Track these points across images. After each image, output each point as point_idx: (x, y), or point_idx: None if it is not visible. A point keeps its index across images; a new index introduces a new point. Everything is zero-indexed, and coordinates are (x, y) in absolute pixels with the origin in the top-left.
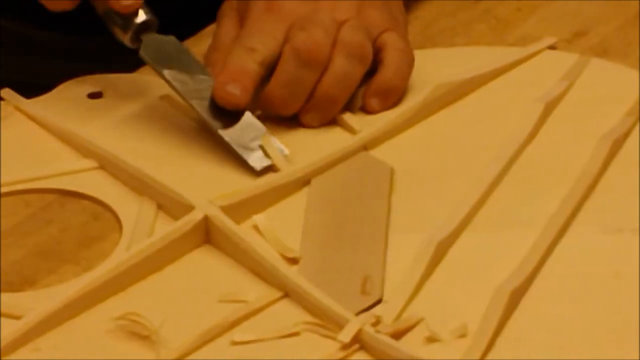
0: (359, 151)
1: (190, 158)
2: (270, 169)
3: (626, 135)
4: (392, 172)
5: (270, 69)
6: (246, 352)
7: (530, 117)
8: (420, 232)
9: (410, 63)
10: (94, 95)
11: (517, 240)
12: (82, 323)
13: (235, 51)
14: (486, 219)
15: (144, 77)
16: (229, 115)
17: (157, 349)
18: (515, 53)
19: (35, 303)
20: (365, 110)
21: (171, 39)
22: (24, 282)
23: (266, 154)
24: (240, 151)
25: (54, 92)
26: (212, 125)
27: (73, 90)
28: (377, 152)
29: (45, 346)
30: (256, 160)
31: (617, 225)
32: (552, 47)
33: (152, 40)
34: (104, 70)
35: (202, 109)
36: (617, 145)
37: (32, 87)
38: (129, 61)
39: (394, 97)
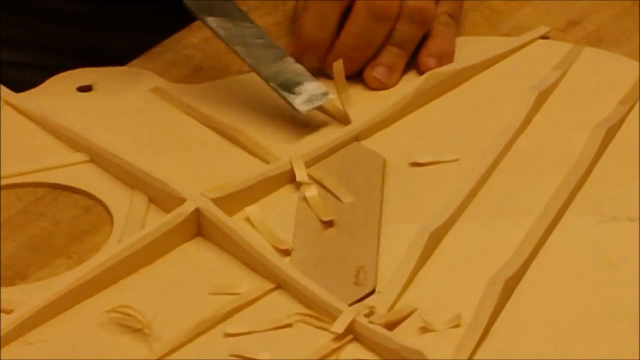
0: (351, 142)
1: (181, 150)
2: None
3: (620, 123)
4: (384, 162)
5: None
6: (239, 343)
7: (523, 106)
8: (414, 222)
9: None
10: (84, 89)
11: (511, 229)
12: (74, 316)
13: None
14: (480, 209)
15: (134, 69)
16: (273, 61)
17: (149, 341)
18: (508, 42)
19: (27, 297)
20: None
21: None
22: (16, 276)
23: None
24: (285, 95)
25: (44, 85)
26: (256, 70)
27: (63, 84)
28: (370, 143)
29: (37, 340)
30: (301, 103)
31: (611, 213)
32: (545, 37)
33: None
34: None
35: (245, 55)
36: (611, 133)
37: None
38: (120, 53)
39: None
